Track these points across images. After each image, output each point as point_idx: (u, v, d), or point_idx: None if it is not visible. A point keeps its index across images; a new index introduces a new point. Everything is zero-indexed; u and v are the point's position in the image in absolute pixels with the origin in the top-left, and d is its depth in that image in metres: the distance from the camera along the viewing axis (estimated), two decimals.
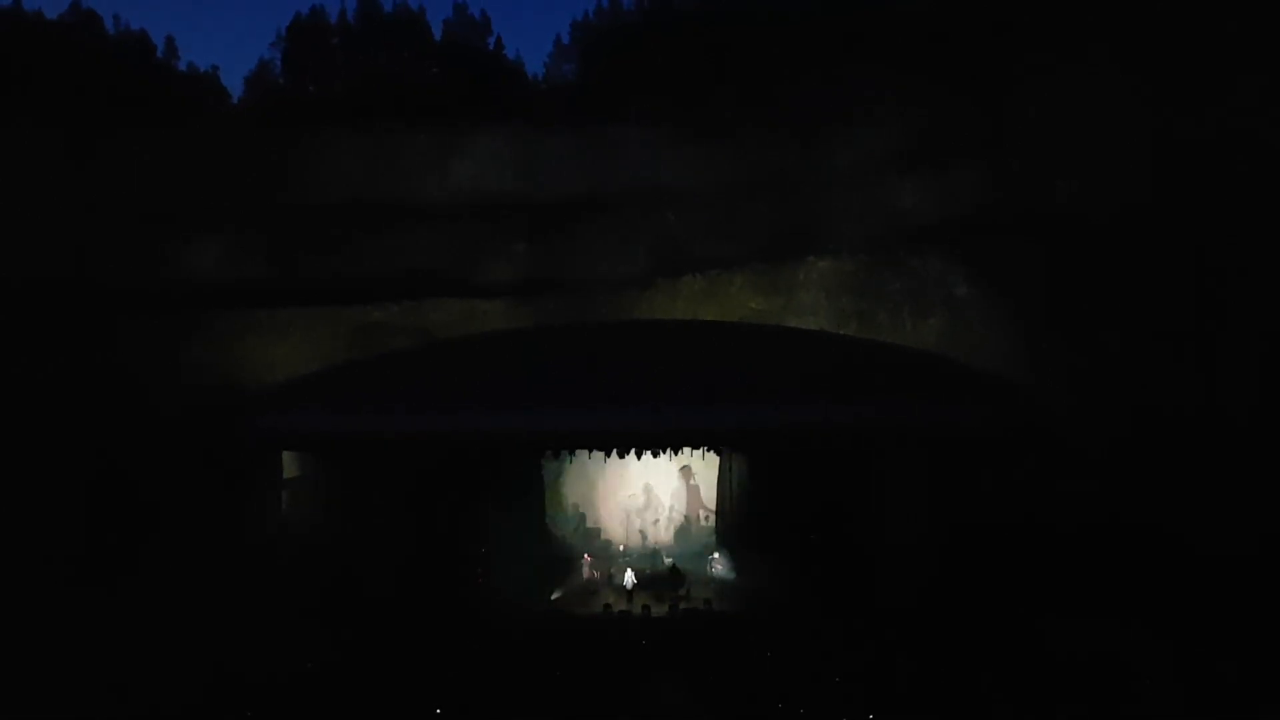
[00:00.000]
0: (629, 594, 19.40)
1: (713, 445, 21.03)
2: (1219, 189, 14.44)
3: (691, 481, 23.88)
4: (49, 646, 12.20)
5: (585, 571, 20.95)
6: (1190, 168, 14.66)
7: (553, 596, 19.46)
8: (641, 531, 23.39)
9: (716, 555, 21.36)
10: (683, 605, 18.45)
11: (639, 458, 20.51)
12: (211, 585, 14.40)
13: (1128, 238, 15.43)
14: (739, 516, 21.82)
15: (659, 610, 18.20)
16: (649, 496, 24.08)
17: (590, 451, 20.02)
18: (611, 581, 20.76)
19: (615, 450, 19.09)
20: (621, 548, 22.42)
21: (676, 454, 21.03)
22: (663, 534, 23.49)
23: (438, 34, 26.10)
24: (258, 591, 14.77)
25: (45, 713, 11.00)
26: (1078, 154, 16.19)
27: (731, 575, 20.56)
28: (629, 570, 20.40)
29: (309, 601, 15.08)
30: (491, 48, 26.32)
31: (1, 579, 13.61)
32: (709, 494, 23.96)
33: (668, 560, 21.00)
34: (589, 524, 23.88)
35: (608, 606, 18.25)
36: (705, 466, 23.53)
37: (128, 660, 12.11)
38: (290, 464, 19.16)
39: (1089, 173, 16.01)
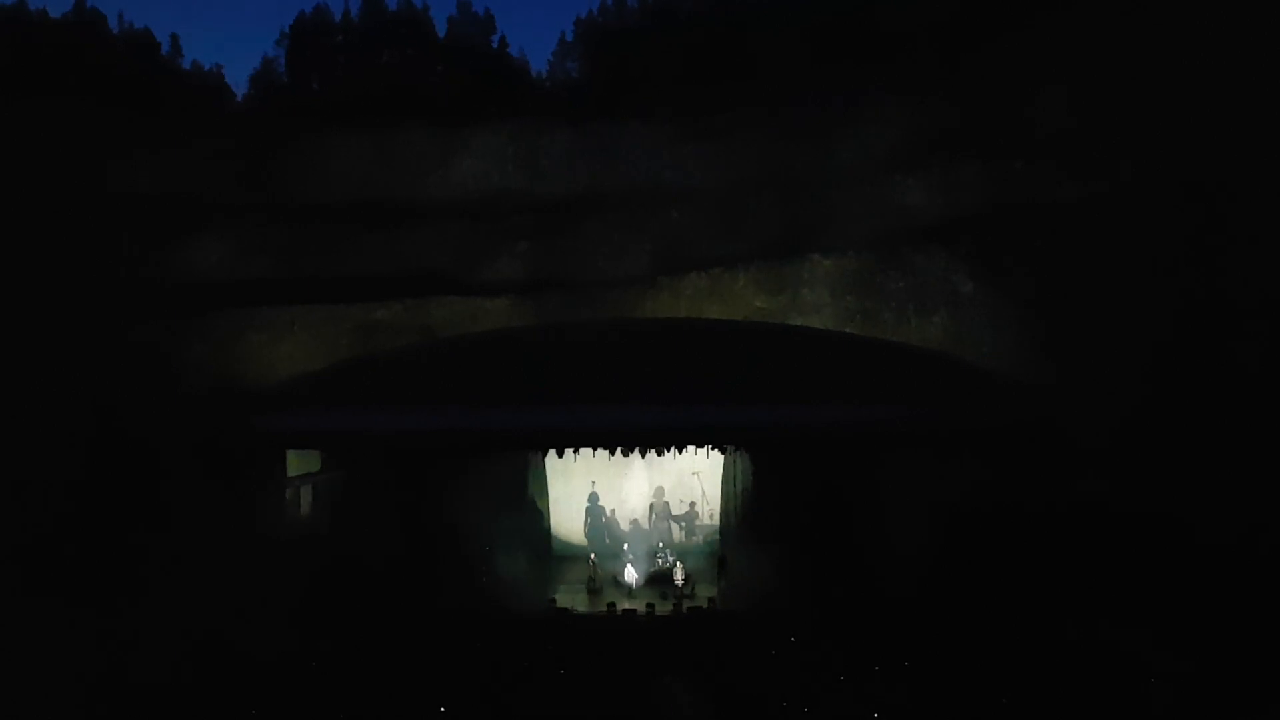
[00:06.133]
0: (633, 592, 19.37)
1: (717, 444, 21.01)
2: (1226, 186, 14.39)
3: (696, 480, 23.84)
4: (50, 647, 12.22)
5: (589, 570, 20.91)
6: (1196, 167, 14.61)
7: (556, 595, 19.43)
8: (646, 529, 23.36)
9: (721, 554, 21.31)
10: (687, 604, 18.42)
11: (643, 456, 20.55)
12: (215, 583, 14.40)
13: (1133, 235, 15.39)
14: (743, 515, 21.79)
15: (663, 609, 18.17)
16: (654, 495, 24.06)
17: (594, 450, 19.97)
18: (616, 580, 20.74)
19: (619, 448, 19.12)
20: (625, 546, 22.39)
21: (681, 452, 21.02)
22: (668, 532, 23.46)
23: (442, 31, 26.04)
24: (261, 588, 14.77)
25: (47, 710, 11.01)
26: (1082, 153, 16.16)
27: (736, 574, 20.51)
28: (632, 568, 20.36)
29: (312, 599, 15.07)
30: (495, 45, 26.21)
31: (5, 580, 13.63)
32: (713, 493, 23.93)
33: (672, 559, 20.95)
34: (593, 522, 23.86)
35: (612, 605, 18.22)
36: (710, 465, 23.49)
37: (131, 658, 12.12)
38: (293, 463, 19.21)
39: (1093, 172, 15.97)
